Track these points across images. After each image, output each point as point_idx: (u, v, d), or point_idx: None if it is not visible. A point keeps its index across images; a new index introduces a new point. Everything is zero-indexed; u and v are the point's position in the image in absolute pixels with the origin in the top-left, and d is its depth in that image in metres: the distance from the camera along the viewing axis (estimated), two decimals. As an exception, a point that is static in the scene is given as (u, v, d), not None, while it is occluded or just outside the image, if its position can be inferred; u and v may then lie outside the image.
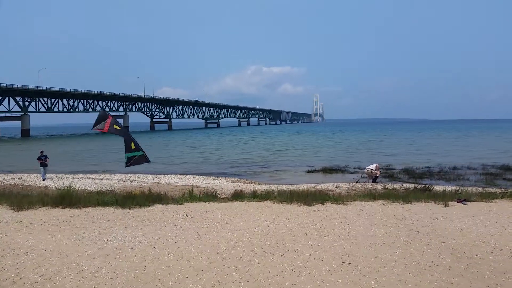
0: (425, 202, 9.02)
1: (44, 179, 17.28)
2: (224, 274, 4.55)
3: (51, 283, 4.32)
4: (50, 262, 4.95)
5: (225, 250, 5.44)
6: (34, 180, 17.13)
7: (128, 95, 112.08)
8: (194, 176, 19.67)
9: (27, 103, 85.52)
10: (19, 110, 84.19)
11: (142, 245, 5.70)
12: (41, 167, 17.58)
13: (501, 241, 5.85)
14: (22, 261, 4.99)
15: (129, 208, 8.39)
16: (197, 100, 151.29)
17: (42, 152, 17.95)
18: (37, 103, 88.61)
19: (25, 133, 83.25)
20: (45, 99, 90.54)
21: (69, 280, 4.38)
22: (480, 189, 12.20)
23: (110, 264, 4.90)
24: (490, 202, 9.22)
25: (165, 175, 19.71)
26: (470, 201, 9.17)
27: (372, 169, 15.52)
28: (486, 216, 7.58)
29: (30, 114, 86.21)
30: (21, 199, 9.00)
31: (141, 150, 9.67)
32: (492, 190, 11.99)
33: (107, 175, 20.05)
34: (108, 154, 36.57)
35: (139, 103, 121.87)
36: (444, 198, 9.38)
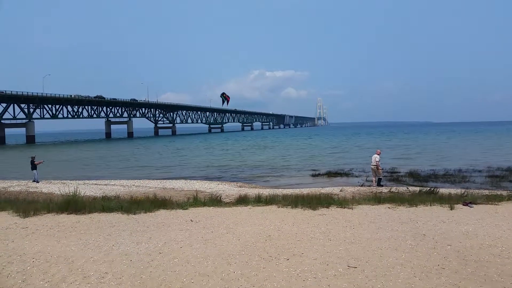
0: (430, 205, 8.97)
1: (34, 181, 18.85)
2: (229, 279, 4.55)
3: (58, 289, 4.33)
4: (56, 268, 4.97)
5: (230, 255, 5.43)
6: (39, 186, 17.24)
7: (132, 101, 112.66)
8: (199, 180, 19.73)
9: (31, 110, 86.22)
10: (24, 117, 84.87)
11: (148, 250, 5.70)
12: (32, 170, 19.26)
13: (508, 243, 5.80)
14: (28, 267, 5.01)
15: (134, 214, 8.40)
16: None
17: (33, 157, 19.92)
18: (41, 109, 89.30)
19: (30, 139, 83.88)
20: (50, 106, 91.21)
21: (75, 286, 4.39)
22: (486, 192, 12.12)
23: (116, 269, 4.90)
24: (496, 204, 9.15)
25: (170, 180, 19.78)
26: (476, 204, 9.10)
27: (377, 163, 15.18)
28: (492, 219, 7.52)
29: (35, 120, 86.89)
30: (27, 206, 9.04)
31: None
32: (498, 192, 11.93)
33: (112, 181, 20.12)
34: (114, 161, 36.76)
35: (143, 109, 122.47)
36: (449, 201, 9.33)
